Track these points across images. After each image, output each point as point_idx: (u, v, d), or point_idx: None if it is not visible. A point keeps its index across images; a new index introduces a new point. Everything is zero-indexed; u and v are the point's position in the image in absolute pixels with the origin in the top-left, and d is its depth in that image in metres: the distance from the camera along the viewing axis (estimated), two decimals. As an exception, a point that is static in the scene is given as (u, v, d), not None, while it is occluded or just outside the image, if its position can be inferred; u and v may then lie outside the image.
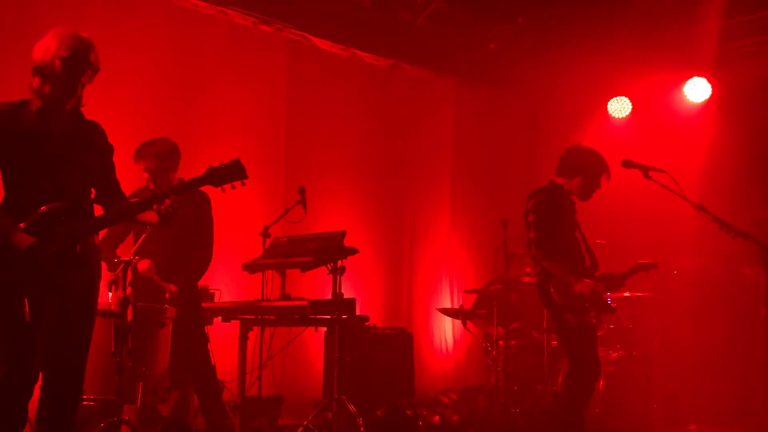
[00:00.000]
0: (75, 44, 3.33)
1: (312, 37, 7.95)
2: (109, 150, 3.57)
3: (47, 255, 3.17)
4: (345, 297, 5.58)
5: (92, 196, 3.52)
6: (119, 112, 6.42)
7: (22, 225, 3.19)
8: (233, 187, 3.42)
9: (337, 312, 5.50)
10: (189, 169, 5.39)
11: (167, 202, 3.37)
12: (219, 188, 3.40)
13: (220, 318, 6.05)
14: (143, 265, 4.86)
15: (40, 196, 3.24)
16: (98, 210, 3.55)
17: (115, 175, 3.59)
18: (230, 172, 3.35)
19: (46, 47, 3.30)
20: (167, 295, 4.98)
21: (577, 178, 4.90)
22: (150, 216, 3.47)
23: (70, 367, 3.31)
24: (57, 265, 3.19)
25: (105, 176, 3.54)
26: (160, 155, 5.08)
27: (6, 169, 3.32)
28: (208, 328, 5.69)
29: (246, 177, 3.38)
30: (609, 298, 4.98)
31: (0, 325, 3.19)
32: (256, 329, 6.09)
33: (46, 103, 3.32)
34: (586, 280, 4.68)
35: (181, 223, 5.15)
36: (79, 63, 3.32)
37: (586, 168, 4.90)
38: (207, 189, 3.69)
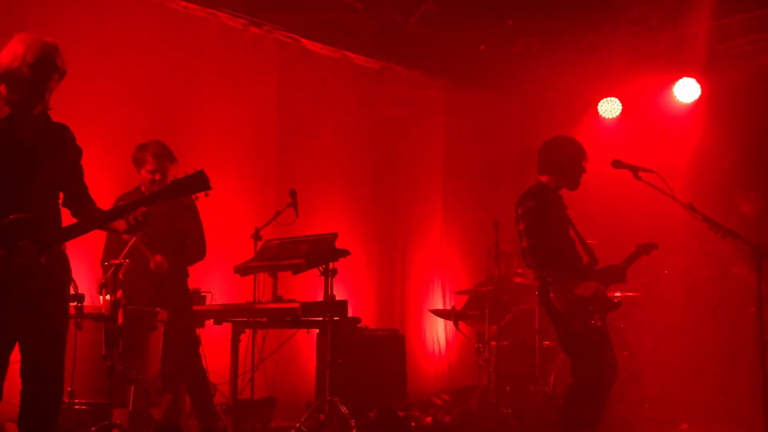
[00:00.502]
0: (42, 50, 3.33)
1: (302, 39, 7.96)
2: (78, 154, 3.56)
3: (11, 267, 3.15)
4: (337, 299, 5.59)
5: (60, 201, 3.53)
6: (110, 114, 6.44)
7: None
8: (196, 198, 3.52)
9: (329, 314, 5.50)
10: (181, 170, 5.39)
11: (137, 212, 3.41)
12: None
13: (212, 320, 6.04)
14: (157, 259, 4.98)
15: (6, 206, 3.22)
16: (65, 213, 3.56)
17: (83, 180, 3.60)
18: (193, 183, 3.38)
19: (13, 54, 3.29)
20: (151, 264, 5.03)
21: (562, 171, 4.88)
22: (119, 225, 3.51)
23: (46, 377, 3.33)
24: (20, 276, 3.18)
25: (74, 181, 3.55)
26: (158, 154, 5.16)
27: None
28: (199, 331, 5.69)
29: (209, 188, 3.41)
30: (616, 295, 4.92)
31: None
32: (248, 332, 6.09)
33: (14, 110, 3.31)
34: (587, 283, 4.63)
35: (175, 225, 5.20)
36: (46, 68, 3.33)
37: (567, 159, 4.88)
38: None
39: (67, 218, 3.54)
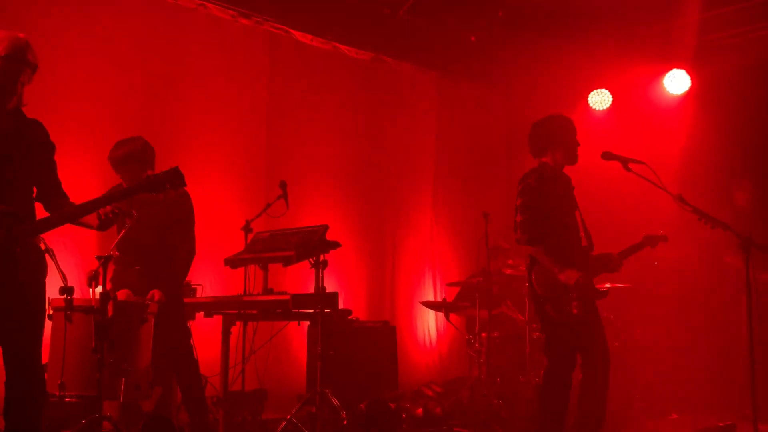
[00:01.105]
0: (12, 44, 3.34)
1: (292, 31, 7.93)
2: (51, 148, 3.59)
3: None
4: (328, 291, 5.58)
5: (33, 195, 3.55)
6: (97, 106, 6.41)
7: None
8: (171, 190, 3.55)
9: (319, 306, 5.50)
10: (170, 161, 5.37)
11: (108, 208, 3.48)
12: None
13: (202, 313, 6.02)
14: (121, 295, 4.87)
15: None
16: (39, 209, 3.57)
17: (56, 174, 3.63)
18: (169, 179, 3.48)
19: None
20: (148, 299, 4.95)
21: (557, 149, 4.84)
22: (92, 220, 3.56)
23: (23, 368, 3.36)
24: None
25: (47, 175, 3.58)
26: (128, 156, 5.02)
27: None
28: (190, 323, 5.68)
29: (184, 184, 3.50)
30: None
31: None
32: (238, 324, 6.08)
33: None
34: (571, 271, 4.58)
35: (161, 217, 5.16)
36: (17, 62, 3.34)
37: (556, 134, 4.84)
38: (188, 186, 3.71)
39: (41, 213, 3.56)
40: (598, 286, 4.77)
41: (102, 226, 3.56)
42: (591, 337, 4.71)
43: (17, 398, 3.32)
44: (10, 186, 3.35)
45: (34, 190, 3.55)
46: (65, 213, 3.53)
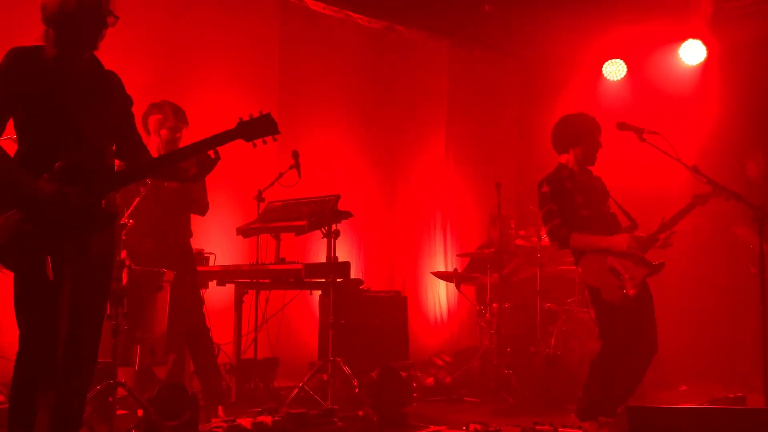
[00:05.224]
0: None
1: (305, -1, 7.88)
2: (128, 101, 3.40)
3: (72, 206, 2.99)
4: (339, 260, 5.60)
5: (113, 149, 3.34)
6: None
7: (45, 176, 3.00)
8: (264, 142, 3.30)
9: (331, 275, 5.53)
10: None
11: (210, 152, 3.23)
12: (250, 143, 3.27)
13: (215, 281, 6.07)
14: None
15: (58, 146, 3.06)
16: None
17: (136, 128, 3.44)
18: (262, 126, 3.26)
19: None
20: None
21: (577, 148, 4.81)
22: (180, 172, 3.37)
23: (83, 336, 3.17)
24: (82, 221, 3.02)
25: (125, 128, 3.37)
26: (177, 112, 5.08)
27: (22, 117, 3.12)
28: (203, 292, 5.72)
29: (278, 132, 3.28)
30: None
31: (23, 284, 3.05)
32: (251, 293, 6.12)
33: (64, 52, 3.14)
34: (618, 237, 4.50)
35: (179, 188, 5.19)
36: (100, 13, 3.16)
37: (580, 135, 4.80)
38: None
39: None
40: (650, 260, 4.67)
41: (199, 173, 3.32)
42: (646, 316, 4.60)
43: (65, 378, 3.10)
44: (89, 136, 3.15)
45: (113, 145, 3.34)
46: (151, 161, 3.31)
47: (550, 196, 4.69)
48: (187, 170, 3.38)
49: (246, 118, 3.24)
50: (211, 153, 3.25)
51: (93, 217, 3.07)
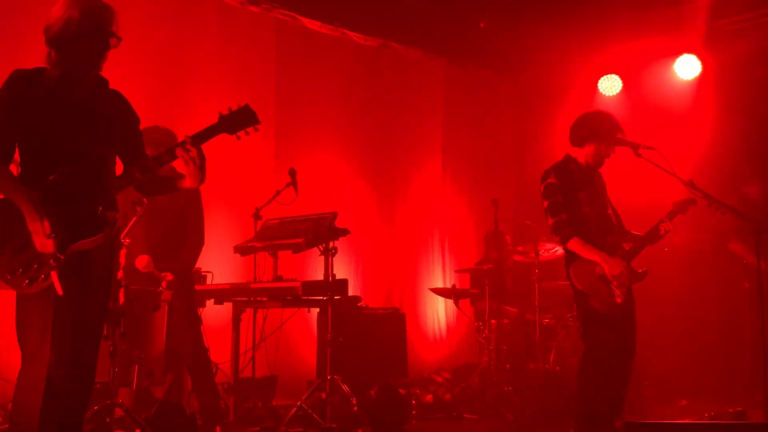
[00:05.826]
0: (99, 14, 3.17)
1: (301, 17, 7.91)
2: (135, 120, 3.40)
3: (63, 218, 3.00)
4: (337, 278, 5.59)
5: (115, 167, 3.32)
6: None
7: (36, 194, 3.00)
8: (247, 133, 3.31)
9: (329, 293, 5.51)
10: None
11: (194, 150, 3.19)
12: (234, 136, 3.27)
13: (212, 300, 6.05)
14: (141, 261, 4.85)
15: (61, 164, 3.06)
16: None
17: (143, 147, 3.41)
18: (242, 118, 3.27)
19: (66, 18, 3.11)
20: (164, 283, 4.97)
21: (592, 144, 4.77)
22: (171, 182, 3.36)
23: (81, 356, 3.09)
24: (77, 231, 3.02)
25: (132, 147, 3.35)
26: (156, 143, 5.05)
27: (24, 138, 3.13)
28: (200, 311, 5.71)
29: (258, 122, 3.28)
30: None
31: (31, 305, 3.04)
32: (248, 311, 6.10)
33: (67, 71, 3.16)
34: (614, 260, 4.53)
35: (171, 207, 5.18)
36: (103, 36, 3.18)
37: (601, 132, 4.75)
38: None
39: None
40: (635, 268, 4.68)
41: (194, 177, 3.24)
42: (627, 320, 4.64)
43: (65, 391, 3.04)
44: (92, 149, 3.15)
45: (118, 162, 3.34)
46: (143, 166, 3.20)
47: (557, 187, 4.65)
48: (181, 178, 3.34)
49: (225, 112, 3.26)
50: (194, 154, 3.20)
51: (86, 225, 3.05)
